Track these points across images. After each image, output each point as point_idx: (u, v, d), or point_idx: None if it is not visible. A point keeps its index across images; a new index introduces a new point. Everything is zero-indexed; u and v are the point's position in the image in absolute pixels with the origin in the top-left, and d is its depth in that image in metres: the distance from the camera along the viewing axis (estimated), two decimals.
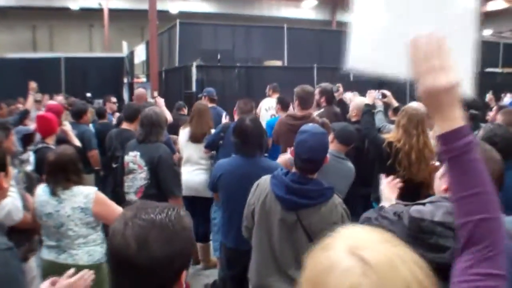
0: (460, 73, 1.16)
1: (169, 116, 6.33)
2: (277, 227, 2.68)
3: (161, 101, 6.78)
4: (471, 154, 1.13)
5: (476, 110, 5.09)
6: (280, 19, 22.35)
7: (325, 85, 5.46)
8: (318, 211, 2.60)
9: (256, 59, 12.60)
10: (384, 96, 6.10)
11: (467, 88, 1.28)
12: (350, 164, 3.66)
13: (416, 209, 1.90)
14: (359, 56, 1.29)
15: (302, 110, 4.62)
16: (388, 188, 2.48)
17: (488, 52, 17.80)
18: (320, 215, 2.59)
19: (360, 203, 4.31)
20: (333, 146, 3.57)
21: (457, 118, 1.14)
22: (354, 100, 5.66)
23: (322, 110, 5.21)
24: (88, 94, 12.72)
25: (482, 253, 1.09)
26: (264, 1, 23.90)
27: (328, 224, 2.50)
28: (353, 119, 4.99)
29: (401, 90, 10.36)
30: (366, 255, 0.81)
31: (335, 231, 0.91)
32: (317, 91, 5.39)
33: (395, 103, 6.23)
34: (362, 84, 10.67)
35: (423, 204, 1.93)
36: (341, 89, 6.79)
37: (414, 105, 4.05)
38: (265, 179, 2.81)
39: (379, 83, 11.78)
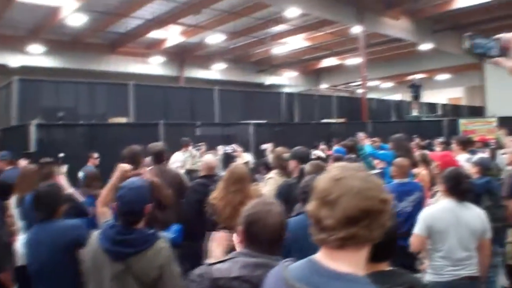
0: None
1: None
2: (107, 279, 2.75)
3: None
4: None
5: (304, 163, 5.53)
6: (129, 75, 22.31)
7: (153, 145, 5.57)
8: (145, 257, 2.73)
9: (100, 116, 12.40)
10: (234, 150, 6.47)
11: None
12: None
13: (216, 268, 2.07)
14: None
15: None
16: (215, 244, 2.63)
17: (324, 104, 19.48)
18: (147, 260, 2.72)
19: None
20: None
21: None
22: (204, 157, 5.90)
23: (151, 167, 5.31)
24: None
25: None
26: (112, 57, 23.68)
27: (155, 267, 2.70)
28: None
29: None
30: None
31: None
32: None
33: (245, 159, 6.59)
34: (209, 138, 11.05)
35: (224, 261, 2.11)
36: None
37: (239, 163, 4.33)
38: (94, 235, 2.90)
39: (226, 136, 12.35)
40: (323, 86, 34.65)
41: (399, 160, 5.33)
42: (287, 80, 32.91)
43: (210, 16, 19.22)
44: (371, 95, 28.99)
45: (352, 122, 17.88)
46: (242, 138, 13.11)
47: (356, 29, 20.08)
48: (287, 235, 2.23)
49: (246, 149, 11.58)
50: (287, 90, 28.58)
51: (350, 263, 1.42)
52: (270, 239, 2.12)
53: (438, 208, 4.11)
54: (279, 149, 5.90)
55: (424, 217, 4.09)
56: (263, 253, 2.07)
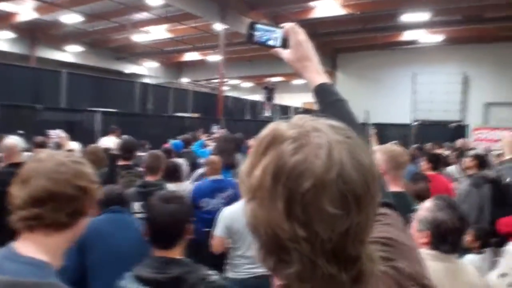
0: None
1: None
2: None
3: None
4: None
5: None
6: None
7: None
8: None
9: None
10: (58, 136, 6.09)
11: None
12: None
13: None
14: None
15: None
16: None
17: (180, 98, 19.37)
18: None
19: None
20: None
21: None
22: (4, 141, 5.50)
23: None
24: None
25: None
26: None
27: None
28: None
29: None
30: None
31: None
32: None
33: (70, 145, 6.22)
34: (52, 124, 10.38)
35: None
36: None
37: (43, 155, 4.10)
38: None
39: (71, 123, 11.68)
40: (185, 80, 34.53)
41: (210, 158, 5.52)
42: (148, 71, 32.25)
43: None
44: (232, 93, 29.53)
45: (206, 117, 17.98)
46: (88, 126, 12.53)
47: (218, 27, 20.24)
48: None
49: (92, 138, 11.06)
50: (147, 80, 27.94)
51: (38, 247, 1.41)
52: None
53: (236, 209, 4.15)
54: (93, 146, 5.85)
55: (222, 218, 4.18)
56: None
